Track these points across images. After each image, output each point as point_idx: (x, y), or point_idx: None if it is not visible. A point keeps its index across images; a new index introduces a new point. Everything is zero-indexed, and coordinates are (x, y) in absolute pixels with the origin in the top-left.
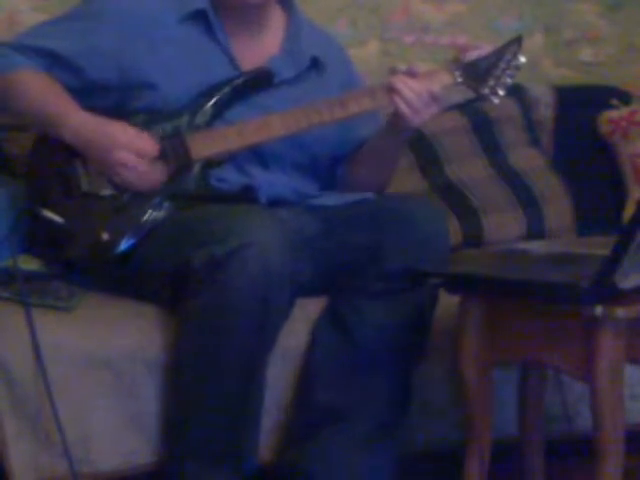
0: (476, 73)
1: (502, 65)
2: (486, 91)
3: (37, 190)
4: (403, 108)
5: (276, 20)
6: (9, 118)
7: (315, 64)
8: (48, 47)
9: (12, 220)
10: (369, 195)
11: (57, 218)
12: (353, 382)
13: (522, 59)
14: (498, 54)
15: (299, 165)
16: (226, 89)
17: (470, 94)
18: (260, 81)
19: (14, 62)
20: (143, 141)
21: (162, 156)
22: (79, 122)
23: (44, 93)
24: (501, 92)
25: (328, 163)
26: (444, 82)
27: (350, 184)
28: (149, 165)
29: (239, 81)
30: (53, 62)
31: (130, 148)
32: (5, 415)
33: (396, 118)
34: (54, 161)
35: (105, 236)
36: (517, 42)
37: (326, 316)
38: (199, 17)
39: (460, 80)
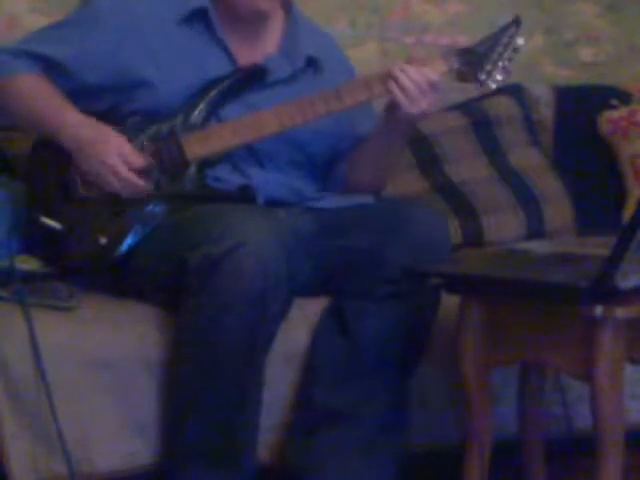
0: (473, 58)
1: (499, 49)
2: (483, 77)
3: (36, 194)
4: (399, 96)
5: (275, 19)
6: (8, 120)
7: (311, 64)
8: (45, 53)
9: (11, 220)
10: (368, 199)
11: (55, 225)
12: (353, 384)
13: (520, 41)
14: (495, 37)
15: (296, 164)
16: (219, 87)
17: (471, 94)
18: (253, 78)
19: (12, 67)
20: (133, 153)
21: (146, 177)
22: (76, 124)
23: (41, 97)
24: (499, 77)
25: (325, 161)
26: (441, 69)
27: (350, 183)
28: (132, 177)
29: (232, 78)
30: (50, 67)
31: (120, 154)
32: (5, 415)
33: (392, 108)
34: (52, 165)
35: (103, 240)
36: (515, 24)
37: (327, 318)
38: (199, 15)
39: (457, 66)
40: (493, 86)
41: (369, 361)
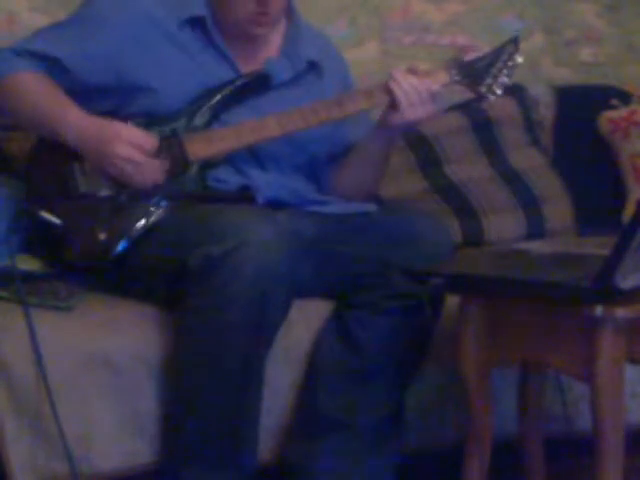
0: (473, 72)
1: (499, 65)
2: (483, 90)
3: (36, 191)
4: (399, 96)
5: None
6: (9, 119)
7: (312, 67)
8: (48, 52)
9: (11, 220)
10: (371, 206)
11: (55, 220)
12: (355, 392)
13: (519, 59)
14: (495, 54)
15: (297, 165)
16: (224, 92)
17: (471, 94)
18: (257, 84)
19: (14, 65)
20: (143, 136)
21: (160, 155)
22: (78, 120)
23: (43, 95)
24: (498, 91)
25: (325, 163)
26: (441, 81)
27: (338, 186)
28: (148, 161)
29: (237, 84)
30: (52, 67)
31: (131, 142)
32: (5, 415)
33: (389, 111)
34: (53, 162)
35: (103, 237)
36: (514, 42)
37: (331, 324)
38: (198, 22)
39: (457, 79)
40: (492, 99)
41: (371, 370)
